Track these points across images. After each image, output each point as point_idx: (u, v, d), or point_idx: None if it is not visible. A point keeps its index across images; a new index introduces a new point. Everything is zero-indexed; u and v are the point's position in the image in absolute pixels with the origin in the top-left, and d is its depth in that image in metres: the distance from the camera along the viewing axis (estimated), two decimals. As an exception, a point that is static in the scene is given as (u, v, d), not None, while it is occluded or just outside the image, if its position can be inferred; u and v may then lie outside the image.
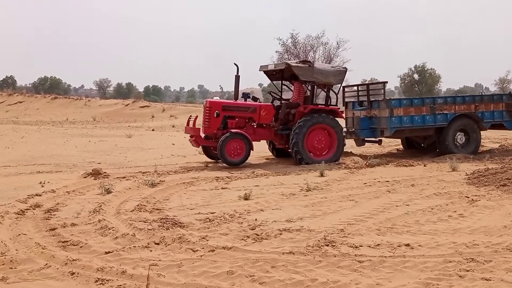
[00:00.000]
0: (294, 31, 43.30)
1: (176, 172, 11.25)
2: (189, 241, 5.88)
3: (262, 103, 13.47)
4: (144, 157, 14.19)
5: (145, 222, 6.83)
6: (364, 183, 9.74)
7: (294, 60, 42.45)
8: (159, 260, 5.24)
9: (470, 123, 14.01)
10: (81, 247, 5.72)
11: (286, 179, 10.39)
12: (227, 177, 10.62)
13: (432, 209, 7.45)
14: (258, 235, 6.13)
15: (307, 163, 12.39)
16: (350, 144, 15.32)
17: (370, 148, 16.51)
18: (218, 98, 14.94)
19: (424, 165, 12.09)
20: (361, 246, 5.65)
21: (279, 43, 42.56)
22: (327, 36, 44.29)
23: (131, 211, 7.53)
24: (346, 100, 15.33)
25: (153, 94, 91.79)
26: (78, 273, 4.86)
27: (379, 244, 5.69)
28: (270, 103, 13.66)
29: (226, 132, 12.36)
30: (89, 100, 48.13)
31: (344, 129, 13.86)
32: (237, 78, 13.09)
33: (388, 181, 9.88)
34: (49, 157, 13.69)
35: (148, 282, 4.52)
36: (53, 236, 6.18)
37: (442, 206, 7.61)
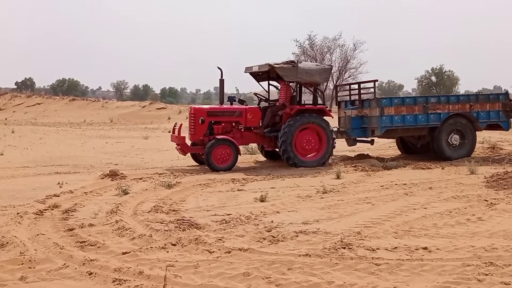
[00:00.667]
0: (311, 33, 43.28)
1: (192, 174, 11.30)
2: (205, 243, 5.89)
3: (248, 106, 13.16)
4: (161, 158, 14.27)
5: (161, 223, 6.86)
6: (381, 186, 9.67)
7: (311, 61, 42.45)
8: (176, 261, 5.26)
9: (465, 123, 13.61)
10: (98, 247, 5.77)
11: (302, 181, 10.36)
12: (243, 179, 10.63)
13: (450, 212, 7.38)
14: (274, 237, 6.12)
15: (295, 163, 12.26)
16: (366, 147, 15.23)
17: (387, 151, 16.40)
18: (202, 106, 14.29)
19: (442, 168, 11.96)
20: (378, 249, 5.61)
21: (296, 45, 42.52)
22: (344, 38, 44.17)
23: (147, 212, 7.57)
24: (339, 99, 15.07)
25: (170, 96, 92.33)
26: (96, 273, 4.90)
27: (396, 247, 5.65)
28: (256, 106, 13.40)
29: (212, 138, 12.15)
30: (106, 102, 48.53)
31: (334, 129, 13.57)
32: (222, 82, 12.88)
33: (405, 184, 9.80)
34: (67, 158, 13.85)
35: (165, 282, 4.54)
36: (71, 236, 6.24)
37: (460, 209, 7.52)
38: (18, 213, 7.30)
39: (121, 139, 21.25)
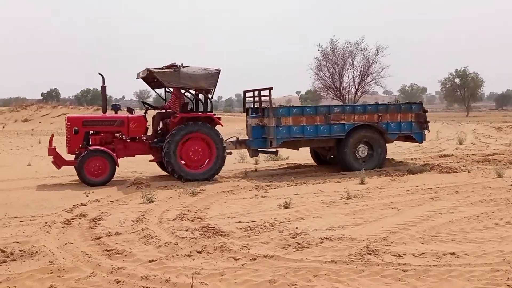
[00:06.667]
0: (334, 37, 43.13)
1: (215, 181, 11.35)
2: (230, 250, 5.91)
3: (130, 115, 12.00)
4: (184, 166, 14.36)
5: (187, 230, 6.91)
6: (406, 191, 9.58)
7: (333, 66, 42.28)
8: (202, 268, 5.29)
9: (373, 134, 12.78)
10: (125, 255, 5.83)
11: (326, 187, 10.32)
12: (266, 185, 10.64)
13: (477, 216, 7.27)
14: (299, 243, 6.11)
15: (180, 176, 11.37)
16: (391, 151, 15.09)
17: (411, 154, 16.24)
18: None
19: (469, 172, 11.79)
20: (405, 255, 5.55)
21: (318, 50, 42.42)
22: (366, 42, 43.84)
23: (173, 220, 7.63)
24: (247, 106, 13.90)
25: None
26: (123, 281, 4.96)
27: (423, 253, 5.59)
28: (141, 115, 12.24)
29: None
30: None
31: (233, 138, 13.01)
32: (104, 88, 12.12)
33: (431, 188, 9.69)
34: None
35: (192, 290, 4.58)
36: (98, 245, 6.33)
37: (488, 214, 7.41)
38: (46, 223, 7.43)
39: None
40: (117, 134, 11.93)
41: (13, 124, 40.62)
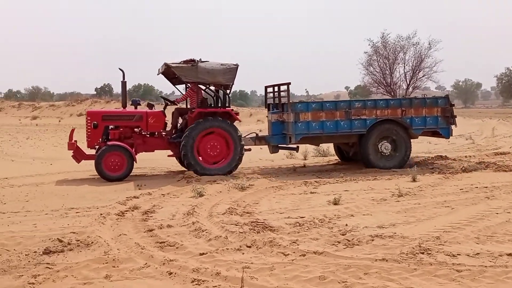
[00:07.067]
0: (385, 31, 42.30)
1: (264, 176, 11.39)
2: (280, 245, 5.93)
3: (149, 110, 12.12)
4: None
5: (236, 225, 6.97)
6: (460, 189, 9.31)
7: (383, 60, 41.51)
8: (251, 263, 5.33)
9: (396, 130, 12.37)
10: (177, 248, 5.95)
11: (376, 184, 10.17)
12: (315, 181, 10.59)
13: (536, 217, 6.98)
14: (349, 240, 6.05)
15: (196, 170, 11.39)
16: (444, 148, 14.71)
17: (465, 152, 15.77)
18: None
19: (526, 170, 11.34)
20: (459, 254, 5.40)
21: (369, 44, 41.72)
22: (418, 36, 42.66)
23: (222, 214, 7.72)
24: (268, 101, 13.77)
25: (240, 99, 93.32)
26: (175, 273, 5.06)
27: (478, 253, 5.42)
28: (159, 110, 12.36)
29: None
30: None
31: (252, 134, 12.83)
32: (124, 84, 12.20)
33: (486, 187, 9.38)
34: (145, 161, 14.35)
35: (243, 284, 4.62)
36: (151, 237, 6.48)
37: (548, 214, 7.10)
38: (101, 214, 7.68)
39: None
40: (136, 129, 12.04)
41: (69, 118, 41.88)
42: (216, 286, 4.70)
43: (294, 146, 12.79)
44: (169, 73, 12.34)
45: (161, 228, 6.89)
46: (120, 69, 12.08)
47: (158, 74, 12.61)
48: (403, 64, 41.77)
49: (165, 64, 11.80)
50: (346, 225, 6.85)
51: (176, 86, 13.55)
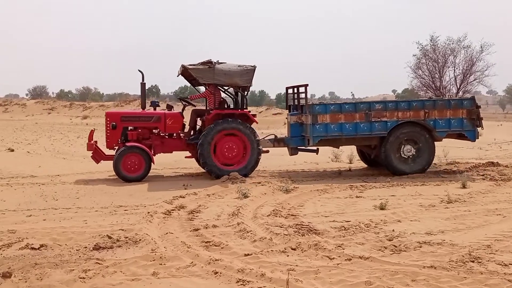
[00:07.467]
0: (434, 34, 41.32)
1: (309, 179, 11.33)
2: (325, 249, 5.89)
3: (167, 112, 12.13)
4: (278, 163, 14.47)
5: (281, 227, 6.97)
6: (513, 197, 8.99)
7: (433, 64, 40.55)
8: (296, 265, 5.32)
9: (419, 132, 11.96)
10: (222, 248, 6.00)
11: (424, 190, 9.95)
12: (361, 185, 10.46)
13: None
14: (396, 246, 5.95)
15: (212, 171, 11.40)
16: (495, 154, 14.24)
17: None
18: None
19: None
20: (511, 264, 5.22)
21: (417, 47, 40.86)
22: (469, 39, 41.34)
23: (267, 215, 7.74)
24: (290, 103, 13.46)
25: (285, 101, 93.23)
26: (220, 273, 5.11)
27: (532, 264, 5.23)
28: (177, 111, 12.35)
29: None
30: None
31: (271, 136, 12.66)
32: (143, 85, 12.16)
33: (541, 196, 9.03)
34: (190, 162, 14.55)
35: (288, 286, 4.61)
36: (196, 236, 6.57)
37: None
38: (148, 212, 7.84)
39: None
40: (154, 130, 12.09)
41: (118, 118, 43.08)
42: (261, 287, 4.71)
43: (314, 148, 12.63)
44: (188, 75, 12.32)
45: (206, 228, 6.97)
46: (139, 70, 12.16)
47: (177, 76, 12.64)
48: (453, 68, 40.70)
49: (182, 66, 11.85)
50: (393, 230, 6.73)
51: (196, 87, 13.62)
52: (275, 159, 15.64)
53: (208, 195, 9.52)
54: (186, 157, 12.43)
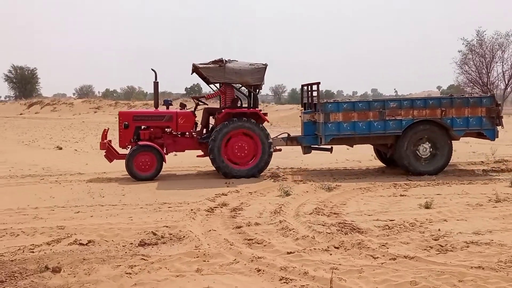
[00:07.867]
0: (480, 28, 40.18)
1: (351, 177, 11.23)
2: (368, 248, 5.82)
3: (179, 111, 12.07)
4: (320, 161, 14.39)
5: (323, 225, 6.93)
6: None
7: (479, 59, 39.42)
8: (340, 264, 5.28)
9: (436, 131, 11.56)
10: (264, 245, 6.02)
11: (471, 188, 9.69)
12: (405, 184, 10.28)
13: None
14: (442, 246, 5.83)
15: (225, 172, 11.28)
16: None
17: None
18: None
19: None
20: None
21: (463, 43, 39.83)
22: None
23: (309, 214, 7.71)
24: (304, 101, 13.22)
25: (326, 98, 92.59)
26: (263, 270, 5.13)
27: None
28: (189, 110, 12.22)
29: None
30: (266, 106, 50.37)
31: (284, 134, 12.36)
32: (156, 84, 12.06)
33: None
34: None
35: (331, 285, 4.59)
36: (239, 233, 6.61)
37: None
38: (192, 210, 7.95)
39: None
40: (166, 129, 12.10)
41: (161, 117, 43.82)
42: (304, 286, 4.71)
43: (328, 147, 12.40)
44: (200, 73, 12.26)
45: (249, 225, 7.01)
46: (152, 69, 12.16)
47: (191, 74, 12.59)
48: (501, 63, 39.48)
49: (193, 65, 11.86)
50: (439, 230, 6.59)
51: (210, 85, 13.44)
52: (316, 157, 15.54)
53: (250, 192, 9.56)
54: (198, 156, 12.45)
